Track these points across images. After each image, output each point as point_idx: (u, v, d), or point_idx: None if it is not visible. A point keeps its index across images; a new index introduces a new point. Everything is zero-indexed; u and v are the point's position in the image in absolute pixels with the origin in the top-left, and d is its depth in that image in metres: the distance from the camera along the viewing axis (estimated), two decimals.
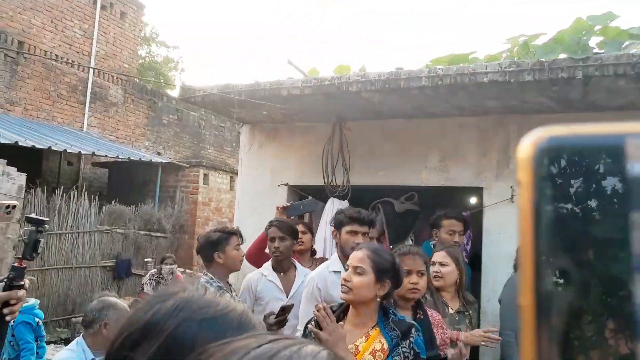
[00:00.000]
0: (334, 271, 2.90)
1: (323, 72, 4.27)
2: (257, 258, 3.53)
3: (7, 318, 1.42)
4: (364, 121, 4.41)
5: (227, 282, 2.97)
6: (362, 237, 2.87)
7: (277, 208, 3.46)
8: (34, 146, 7.90)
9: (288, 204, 3.51)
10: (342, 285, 2.02)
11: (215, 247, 2.85)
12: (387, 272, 1.97)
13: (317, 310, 1.94)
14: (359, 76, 3.72)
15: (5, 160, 7.57)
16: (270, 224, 3.33)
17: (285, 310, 3.02)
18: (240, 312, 0.84)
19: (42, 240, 1.48)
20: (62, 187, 8.56)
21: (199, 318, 0.80)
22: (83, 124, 11.46)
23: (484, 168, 4.11)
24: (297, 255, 3.52)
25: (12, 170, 7.57)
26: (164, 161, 10.42)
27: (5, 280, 1.45)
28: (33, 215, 1.50)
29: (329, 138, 4.30)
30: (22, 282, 1.47)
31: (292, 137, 4.80)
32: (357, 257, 2.02)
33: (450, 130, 4.23)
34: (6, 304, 1.43)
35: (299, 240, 3.47)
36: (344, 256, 2.89)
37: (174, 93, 14.00)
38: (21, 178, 7.68)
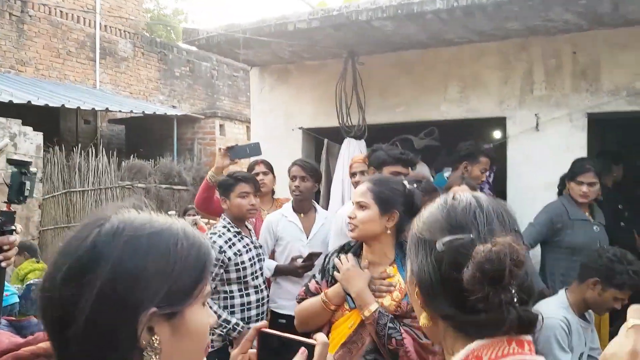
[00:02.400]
0: None
1: (332, 3, 4.01)
2: (205, 205, 3.31)
3: (2, 264, 1.37)
4: (378, 55, 4.18)
5: (246, 227, 2.90)
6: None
7: (219, 150, 3.14)
8: (47, 105, 7.86)
9: (232, 145, 3.18)
10: (348, 223, 1.91)
11: (222, 192, 2.77)
12: (394, 202, 1.82)
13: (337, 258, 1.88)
14: (369, 3, 3.47)
15: (20, 120, 7.57)
16: (294, 163, 3.29)
17: (312, 256, 2.98)
18: (181, 224, 0.79)
19: (27, 182, 1.40)
20: (81, 146, 8.57)
21: (144, 234, 0.73)
22: (95, 81, 11.36)
23: (507, 96, 3.87)
24: None
25: (28, 129, 7.58)
26: (178, 114, 10.32)
27: None
28: (15, 157, 1.42)
29: (341, 75, 4.09)
30: (13, 227, 1.40)
31: (304, 78, 4.60)
32: (359, 191, 1.90)
33: (469, 58, 3.97)
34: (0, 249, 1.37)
35: (260, 182, 3.33)
36: None
37: (185, 44, 13.71)
38: (38, 137, 7.70)
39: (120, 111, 9.62)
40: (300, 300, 1.94)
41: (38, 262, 5.18)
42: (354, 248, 1.94)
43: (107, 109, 9.07)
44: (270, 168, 3.58)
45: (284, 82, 4.70)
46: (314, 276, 2.00)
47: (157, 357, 0.70)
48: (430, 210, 0.92)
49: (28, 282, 4.38)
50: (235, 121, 10.92)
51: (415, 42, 3.91)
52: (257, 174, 3.40)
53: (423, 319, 0.90)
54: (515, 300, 0.79)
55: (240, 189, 2.74)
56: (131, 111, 9.55)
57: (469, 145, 3.52)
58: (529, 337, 0.84)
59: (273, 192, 3.67)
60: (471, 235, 0.83)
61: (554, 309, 2.41)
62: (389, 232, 1.83)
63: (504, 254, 0.77)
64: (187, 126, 10.54)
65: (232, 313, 2.65)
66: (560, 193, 3.34)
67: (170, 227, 0.76)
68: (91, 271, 0.69)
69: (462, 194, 0.92)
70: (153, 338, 0.70)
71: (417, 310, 0.92)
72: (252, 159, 3.67)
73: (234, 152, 3.09)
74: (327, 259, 1.98)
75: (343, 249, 1.96)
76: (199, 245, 0.78)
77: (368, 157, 2.99)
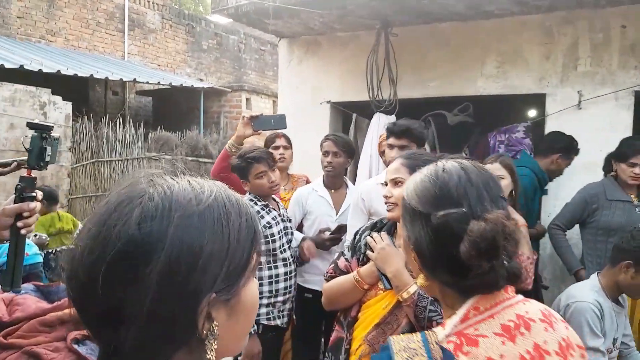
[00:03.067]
0: (381, 183, 2.77)
1: None
2: (222, 175, 3.02)
3: (23, 231, 1.31)
4: (412, 26, 4.01)
5: (273, 199, 2.83)
6: (399, 150, 2.64)
7: (242, 118, 2.86)
8: (76, 74, 7.89)
9: (257, 115, 2.86)
10: (385, 203, 1.81)
11: (240, 175, 2.67)
12: None
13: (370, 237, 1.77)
14: None
15: (50, 89, 7.63)
16: (326, 138, 3.18)
17: (341, 229, 2.92)
18: (221, 188, 0.70)
19: (48, 148, 1.33)
20: (109, 116, 8.63)
21: (195, 211, 0.64)
22: (124, 52, 11.38)
23: (548, 72, 3.68)
24: None
25: (58, 99, 7.64)
26: (205, 86, 10.29)
27: (15, 192, 1.32)
28: (36, 121, 1.35)
29: (373, 47, 3.94)
30: (33, 193, 1.34)
31: (333, 50, 4.46)
32: (393, 168, 1.78)
33: (509, 32, 3.77)
34: (19, 216, 1.31)
35: (280, 156, 3.23)
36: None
37: (213, 18, 13.60)
38: (67, 107, 7.76)
39: (147, 82, 9.63)
40: (329, 278, 1.86)
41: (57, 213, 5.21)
42: (387, 226, 1.84)
43: (134, 80, 9.08)
44: (290, 142, 3.45)
45: (313, 54, 4.57)
46: (342, 253, 1.92)
47: (215, 343, 0.64)
48: (422, 181, 1.01)
49: (47, 251, 4.41)
50: (262, 95, 10.84)
51: (453, 13, 3.73)
52: (278, 147, 3.31)
53: (420, 279, 1.05)
54: (504, 263, 0.92)
55: (255, 170, 2.61)
56: (158, 83, 9.55)
57: (566, 138, 3.30)
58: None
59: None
60: (464, 209, 0.94)
61: (586, 292, 2.30)
62: None
63: (496, 231, 0.89)
64: (213, 99, 10.51)
65: (260, 285, 2.61)
66: (605, 174, 3.18)
67: (215, 197, 0.67)
68: (144, 261, 0.60)
69: (450, 165, 1.02)
70: (213, 325, 0.64)
71: (415, 270, 1.03)
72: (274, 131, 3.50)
73: (257, 122, 2.83)
74: (357, 236, 1.89)
75: (375, 227, 1.87)
76: (245, 210, 0.70)
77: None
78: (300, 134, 4.45)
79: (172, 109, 10.59)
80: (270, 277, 2.64)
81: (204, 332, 0.63)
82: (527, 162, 3.25)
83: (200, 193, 0.66)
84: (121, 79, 8.96)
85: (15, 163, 2.15)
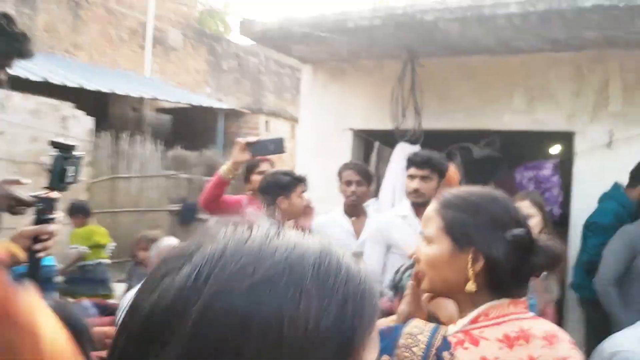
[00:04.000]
0: (401, 216, 2.73)
1: (394, 1, 3.84)
2: (212, 204, 2.95)
3: (40, 255, 1.26)
4: (440, 58, 3.98)
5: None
6: (421, 181, 2.61)
7: (238, 143, 2.67)
8: (98, 90, 7.99)
9: (254, 140, 2.67)
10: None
11: (281, 191, 2.63)
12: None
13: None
14: (436, 3, 3.29)
15: (72, 104, 7.72)
16: (346, 167, 3.15)
17: (356, 256, 2.86)
18: (319, 252, 0.47)
19: (69, 168, 1.28)
20: (128, 133, 8.69)
21: (243, 286, 0.43)
22: (144, 69, 11.54)
23: (578, 110, 3.62)
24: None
25: (80, 113, 7.72)
26: (225, 107, 10.36)
27: (34, 213, 1.28)
28: (60, 140, 1.31)
29: (399, 76, 3.92)
30: (53, 215, 1.29)
31: (358, 77, 4.45)
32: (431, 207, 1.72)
33: (539, 68, 3.73)
34: (37, 239, 1.26)
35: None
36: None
37: (233, 38, 13.79)
38: (89, 121, 7.83)
39: (167, 100, 9.72)
40: None
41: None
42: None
43: (155, 97, 9.18)
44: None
45: (337, 80, 4.56)
46: (383, 292, 1.85)
47: None
48: (484, 203, 1.20)
49: (81, 264, 4.40)
50: (281, 118, 10.88)
51: (482, 47, 3.71)
52: (262, 172, 3.11)
53: (471, 286, 1.12)
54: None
55: (300, 189, 2.64)
56: (178, 102, 9.64)
57: None
58: (524, 299, 1.17)
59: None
60: (527, 230, 1.14)
61: (632, 342, 2.19)
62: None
63: (559, 247, 1.15)
64: (232, 120, 10.57)
65: None
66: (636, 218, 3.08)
67: (291, 264, 0.45)
68: (156, 345, 0.43)
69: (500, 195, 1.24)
70: None
71: (450, 276, 1.16)
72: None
73: (255, 148, 2.65)
74: (397, 275, 1.82)
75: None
76: (344, 289, 0.46)
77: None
78: (321, 161, 4.42)
79: (191, 128, 10.66)
80: None
81: None
82: (614, 195, 3.16)
83: (270, 255, 0.45)
84: (142, 97, 9.05)
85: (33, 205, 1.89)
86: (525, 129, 3.76)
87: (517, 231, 1.12)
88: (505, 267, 1.11)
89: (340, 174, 3.14)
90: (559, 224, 3.82)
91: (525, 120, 3.76)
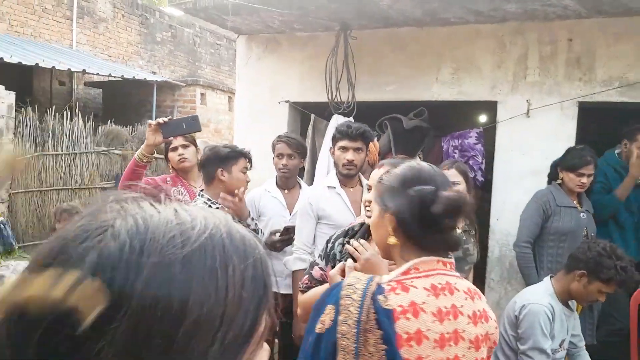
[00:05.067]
0: (329, 186, 2.80)
1: None
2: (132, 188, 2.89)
3: None
4: (371, 30, 4.05)
5: None
6: (354, 153, 2.68)
7: (149, 125, 2.55)
8: (20, 62, 7.51)
9: (166, 120, 2.56)
10: (365, 208, 1.89)
11: (221, 164, 2.59)
12: None
13: (348, 244, 1.74)
14: None
15: None
16: (279, 139, 3.16)
17: (289, 230, 2.91)
18: (223, 221, 0.51)
19: None
20: (55, 108, 8.25)
21: (177, 257, 0.45)
22: (72, 41, 10.92)
23: (499, 81, 3.82)
24: (181, 173, 3.10)
25: (0, 88, 7.25)
26: (159, 79, 10.02)
27: None
28: None
29: (332, 49, 3.96)
30: None
31: (293, 49, 4.46)
32: (376, 174, 1.82)
33: (464, 40, 3.89)
34: None
35: (180, 157, 3.03)
36: (338, 173, 2.76)
37: (167, 9, 13.25)
38: (10, 96, 7.37)
39: (98, 74, 9.28)
40: (305, 289, 1.84)
41: None
42: (360, 233, 1.84)
43: (84, 70, 8.73)
44: (191, 140, 3.17)
45: (272, 52, 4.55)
46: (315, 262, 1.91)
47: None
48: (402, 169, 1.35)
49: None
50: (217, 90, 10.67)
51: (411, 19, 3.80)
52: (176, 148, 3.06)
53: (392, 239, 1.28)
54: (457, 228, 1.30)
55: (242, 163, 2.60)
56: (109, 74, 9.23)
57: (632, 127, 3.43)
58: (451, 260, 1.32)
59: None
60: (433, 187, 1.25)
61: (540, 295, 2.42)
62: None
63: (460, 198, 1.24)
64: (167, 93, 10.26)
65: None
66: (550, 181, 3.32)
67: (211, 235, 0.48)
68: (96, 333, 0.42)
69: (421, 162, 1.42)
70: None
71: (382, 235, 1.32)
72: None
73: (167, 129, 2.55)
74: (329, 244, 1.89)
75: (347, 234, 1.87)
76: (252, 252, 0.51)
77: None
78: (257, 133, 4.42)
79: (123, 101, 10.26)
80: None
81: None
82: (613, 159, 3.54)
83: (190, 228, 0.47)
84: (69, 69, 8.60)
85: None
86: (452, 100, 3.93)
87: (417, 187, 1.25)
88: (410, 219, 1.25)
89: (273, 146, 3.17)
90: (484, 189, 4.07)
91: (452, 91, 3.93)
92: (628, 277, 2.22)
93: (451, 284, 1.25)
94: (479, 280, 3.86)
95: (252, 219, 2.83)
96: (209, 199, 2.60)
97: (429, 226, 1.24)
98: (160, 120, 2.56)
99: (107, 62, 11.09)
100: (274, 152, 3.15)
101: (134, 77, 9.49)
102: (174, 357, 0.43)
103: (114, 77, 9.34)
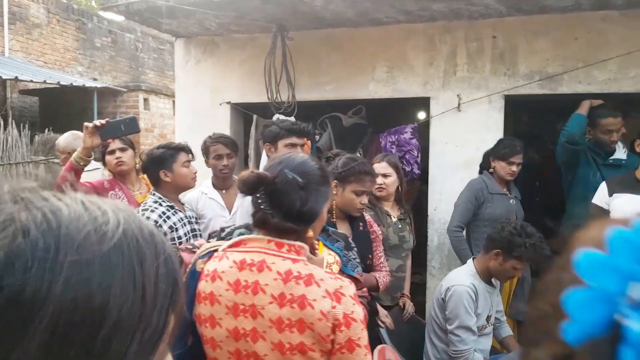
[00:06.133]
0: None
1: None
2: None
3: None
4: (308, 31, 4.14)
5: (179, 202, 2.80)
6: (301, 149, 2.77)
7: (86, 128, 2.48)
8: None
9: (103, 122, 2.51)
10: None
11: (161, 165, 2.62)
12: None
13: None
14: None
15: None
16: (215, 141, 3.15)
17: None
18: (132, 217, 0.49)
19: None
20: None
21: (95, 256, 0.44)
22: (4, 47, 10.45)
23: (431, 77, 3.99)
24: (118, 177, 3.09)
25: None
26: (99, 86, 9.75)
27: None
28: None
29: (270, 50, 4.02)
30: None
31: (232, 51, 4.48)
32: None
33: (396, 39, 4.04)
34: None
35: (117, 160, 3.03)
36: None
37: (107, 14, 12.89)
38: None
39: (32, 81, 8.93)
40: None
41: None
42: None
43: (16, 77, 8.39)
44: (130, 143, 3.17)
45: (211, 54, 4.55)
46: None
47: None
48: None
49: None
50: (161, 95, 10.50)
51: (345, 19, 3.91)
52: (113, 152, 3.05)
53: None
54: (264, 209, 1.32)
55: (183, 158, 2.64)
56: (44, 81, 8.90)
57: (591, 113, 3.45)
58: (296, 243, 1.32)
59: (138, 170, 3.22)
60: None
61: (463, 277, 2.58)
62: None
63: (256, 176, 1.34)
64: (108, 100, 10.00)
65: None
66: (481, 171, 3.50)
67: (124, 231, 0.47)
68: (9, 338, 0.39)
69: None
70: None
71: None
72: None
73: (105, 131, 2.49)
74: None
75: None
76: (162, 248, 0.50)
77: (262, 133, 2.94)
78: (199, 135, 4.39)
79: (63, 109, 9.90)
80: None
81: None
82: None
83: (104, 224, 0.45)
84: (0, 77, 8.23)
85: None
86: (387, 97, 4.07)
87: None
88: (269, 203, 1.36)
89: (207, 148, 3.14)
90: (422, 181, 4.23)
91: (387, 89, 4.07)
92: (537, 254, 2.40)
93: (266, 263, 1.28)
94: (423, 268, 4.03)
95: (196, 219, 2.86)
96: (160, 198, 2.63)
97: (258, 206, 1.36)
98: (98, 122, 2.52)
99: (43, 68, 10.68)
100: (207, 155, 3.15)
101: (71, 83, 9.20)
102: (94, 357, 0.42)
103: (50, 84, 9.02)
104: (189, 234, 2.66)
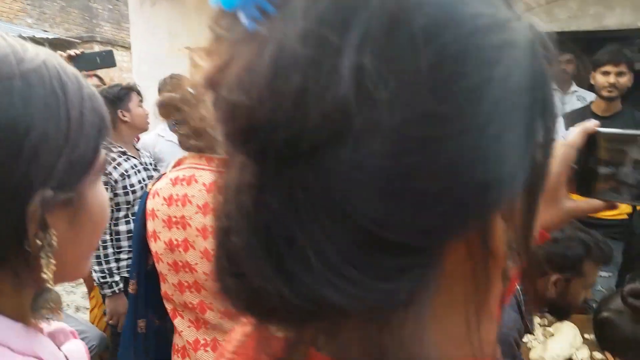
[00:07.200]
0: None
1: None
2: None
3: None
4: None
5: (134, 147, 2.67)
6: None
7: (60, 56, 2.54)
8: None
9: (78, 52, 2.43)
10: None
11: (117, 104, 2.47)
12: None
13: None
14: None
15: None
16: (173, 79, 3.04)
17: None
18: (51, 54, 0.51)
19: None
20: None
21: (15, 73, 0.46)
22: None
23: None
24: None
25: None
26: (50, 37, 9.26)
27: None
28: None
29: None
30: None
31: None
32: None
33: None
34: None
35: None
36: None
37: None
38: None
39: None
40: None
41: None
42: None
43: None
44: (102, 80, 3.09)
45: None
46: None
47: (52, 259, 0.47)
48: None
49: None
50: (118, 47, 10.07)
51: None
52: None
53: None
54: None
55: (136, 98, 2.52)
56: None
57: None
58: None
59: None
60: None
61: None
62: None
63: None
64: (61, 51, 9.54)
65: (118, 240, 2.42)
66: None
67: (45, 61, 0.48)
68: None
69: None
70: (49, 234, 0.46)
71: None
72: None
73: (79, 62, 2.40)
74: None
75: None
76: (88, 89, 0.52)
77: None
78: (157, 82, 4.25)
79: None
80: (129, 231, 2.41)
81: (37, 243, 0.46)
82: None
83: (22, 51, 0.47)
84: None
85: None
86: None
87: None
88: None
89: (166, 87, 3.05)
90: None
91: None
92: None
93: (194, 177, 1.36)
94: None
95: (154, 165, 2.76)
96: (109, 143, 2.52)
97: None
98: (72, 52, 2.41)
99: None
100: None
101: (19, 34, 8.69)
102: (22, 168, 0.44)
103: None
104: (143, 181, 2.49)
